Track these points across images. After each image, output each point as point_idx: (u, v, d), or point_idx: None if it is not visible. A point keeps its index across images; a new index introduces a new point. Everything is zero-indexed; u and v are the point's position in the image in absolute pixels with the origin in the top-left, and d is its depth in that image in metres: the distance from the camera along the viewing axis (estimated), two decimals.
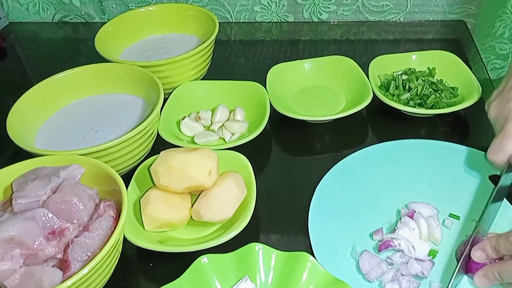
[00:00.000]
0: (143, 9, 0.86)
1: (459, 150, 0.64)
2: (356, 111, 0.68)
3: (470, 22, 0.95)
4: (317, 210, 0.58)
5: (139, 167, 0.61)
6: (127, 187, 0.52)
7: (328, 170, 0.63)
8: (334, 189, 0.61)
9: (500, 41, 0.93)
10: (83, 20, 1.05)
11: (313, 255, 0.52)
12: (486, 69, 0.82)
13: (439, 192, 0.59)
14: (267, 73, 0.75)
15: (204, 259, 0.50)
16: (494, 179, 0.60)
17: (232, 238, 0.52)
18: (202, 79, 0.79)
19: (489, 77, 0.80)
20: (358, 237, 0.55)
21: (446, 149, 0.65)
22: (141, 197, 0.56)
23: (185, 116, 0.70)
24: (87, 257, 0.47)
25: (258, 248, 0.51)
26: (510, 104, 0.55)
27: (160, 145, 0.64)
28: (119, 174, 0.53)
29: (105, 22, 0.83)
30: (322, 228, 0.56)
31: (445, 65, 0.76)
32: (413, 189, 0.59)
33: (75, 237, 0.48)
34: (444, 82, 0.74)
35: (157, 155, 0.57)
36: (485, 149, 0.63)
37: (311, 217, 0.57)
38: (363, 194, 0.60)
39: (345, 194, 0.60)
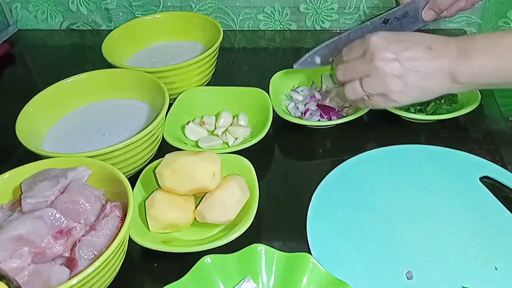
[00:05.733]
0: (149, 17, 0.88)
1: (454, 155, 0.66)
2: (357, 116, 0.69)
3: (471, 31, 0.97)
4: (315, 212, 0.59)
5: (145, 169, 0.62)
6: (133, 189, 0.53)
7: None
8: (333, 192, 0.62)
9: None
10: (90, 28, 1.07)
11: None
12: None
13: (432, 196, 0.60)
14: (270, 80, 0.76)
15: (207, 259, 0.51)
16: (485, 180, 0.61)
17: (235, 239, 0.53)
18: (207, 85, 0.81)
19: None
20: (356, 239, 0.56)
21: (445, 154, 0.66)
22: (146, 198, 0.58)
23: (190, 121, 0.71)
24: (93, 256, 0.48)
25: (260, 249, 0.52)
26: None
27: (165, 149, 0.65)
28: (125, 176, 0.54)
29: (112, 30, 0.84)
30: (321, 230, 0.57)
31: None
32: (409, 194, 0.61)
33: (82, 236, 0.49)
34: None
35: (162, 158, 0.59)
36: (484, 155, 0.65)
37: (309, 220, 0.58)
38: (362, 197, 0.61)
39: (344, 197, 0.61)
